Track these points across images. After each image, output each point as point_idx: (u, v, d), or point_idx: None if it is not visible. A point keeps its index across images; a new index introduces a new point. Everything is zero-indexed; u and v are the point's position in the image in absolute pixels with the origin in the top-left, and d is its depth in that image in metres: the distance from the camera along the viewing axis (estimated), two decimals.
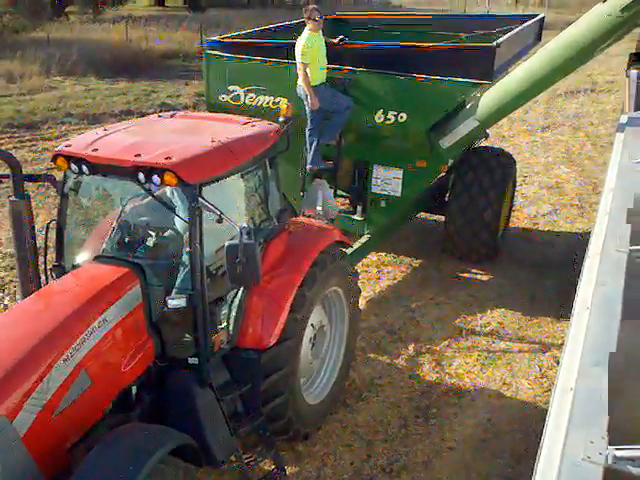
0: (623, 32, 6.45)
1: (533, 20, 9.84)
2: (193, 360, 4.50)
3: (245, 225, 4.27)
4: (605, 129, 15.22)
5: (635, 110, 7.86)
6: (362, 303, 7.47)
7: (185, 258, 4.48)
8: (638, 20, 6.30)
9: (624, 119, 6.17)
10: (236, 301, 4.79)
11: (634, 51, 11.92)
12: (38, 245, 4.79)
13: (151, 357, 4.42)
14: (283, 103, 5.76)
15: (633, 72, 8.86)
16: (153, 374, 4.46)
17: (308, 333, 5.31)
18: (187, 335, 4.59)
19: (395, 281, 8.38)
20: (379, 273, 8.53)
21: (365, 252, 8.05)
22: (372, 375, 6.43)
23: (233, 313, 4.76)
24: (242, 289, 4.78)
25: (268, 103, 7.73)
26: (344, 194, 8.64)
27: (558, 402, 2.49)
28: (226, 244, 4.15)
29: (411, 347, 6.92)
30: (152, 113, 13.37)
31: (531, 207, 10.84)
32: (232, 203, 4.88)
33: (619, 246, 3.49)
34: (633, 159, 5.07)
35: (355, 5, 48.03)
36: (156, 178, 4.16)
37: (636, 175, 4.75)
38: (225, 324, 4.79)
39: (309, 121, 7.43)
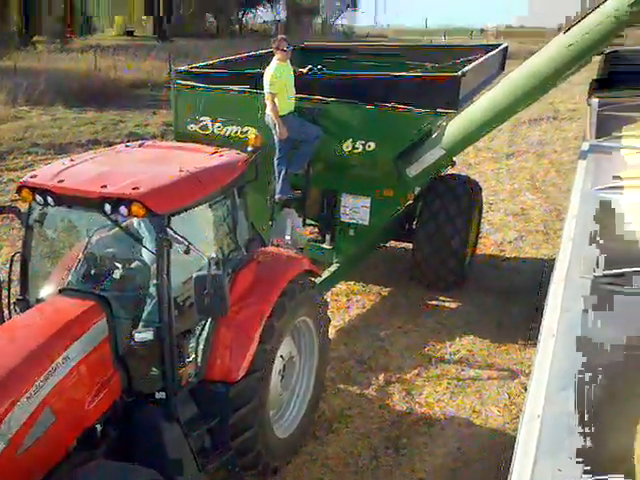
0: (584, 62, 6.61)
1: (497, 50, 10.06)
2: (160, 394, 4.42)
3: (213, 255, 4.24)
4: (568, 156, 15.52)
5: (596, 137, 8.03)
6: (331, 332, 7.43)
7: (152, 290, 4.43)
8: (598, 51, 6.47)
9: (585, 146, 6.28)
10: (204, 333, 4.73)
11: (595, 78, 12.19)
12: (1, 278, 4.71)
13: (117, 392, 4.34)
14: (252, 133, 5.81)
15: (594, 100, 9.05)
16: (119, 409, 4.37)
17: (277, 364, 5.27)
18: (154, 369, 4.52)
19: (364, 310, 8.39)
20: (348, 302, 8.53)
21: (334, 281, 8.05)
22: (342, 406, 6.39)
23: (201, 345, 4.71)
24: (210, 320, 4.74)
25: (237, 132, 7.75)
26: (313, 223, 8.65)
27: (526, 429, 2.49)
28: (194, 275, 4.12)
29: (381, 376, 6.90)
30: (120, 143, 13.30)
31: (497, 234, 10.96)
32: (200, 233, 4.86)
33: (583, 272, 3.53)
34: (595, 186, 5.15)
35: (323, 35, 48.71)
36: (123, 209, 4.12)
37: (598, 202, 4.82)
38: (193, 357, 4.73)
39: (277, 150, 7.46)
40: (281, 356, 5.33)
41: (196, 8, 43.92)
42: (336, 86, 7.91)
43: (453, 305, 8.56)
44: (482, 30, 56.37)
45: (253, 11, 50.64)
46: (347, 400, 6.49)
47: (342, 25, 57.15)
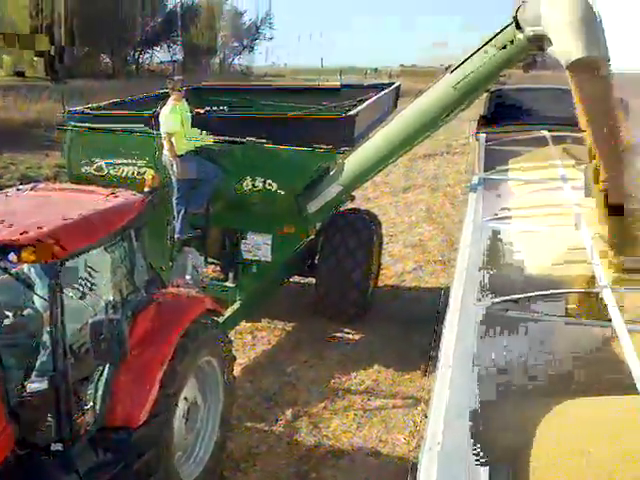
0: (470, 100, 6.95)
1: (390, 88, 10.43)
2: (57, 446, 4.24)
3: (110, 299, 4.15)
4: (460, 189, 16.15)
5: (484, 171, 8.45)
6: (237, 371, 7.36)
7: (46, 338, 4.28)
8: (482, 90, 6.83)
9: (475, 180, 6.60)
10: (103, 379, 4.60)
11: (481, 114, 12.83)
12: None
13: (10, 445, 4.13)
14: (149, 174, 5.75)
15: (481, 136, 9.55)
16: (12, 464, 4.16)
17: (181, 407, 5.17)
18: (49, 419, 4.34)
19: (269, 346, 8.37)
20: (253, 339, 8.50)
21: (238, 319, 8.01)
22: (249, 444, 6.33)
23: (100, 392, 4.56)
24: (109, 366, 4.61)
25: (133, 174, 7.66)
26: (214, 261, 8.61)
27: (427, 457, 2.57)
28: (90, 321, 4.02)
29: (288, 412, 6.89)
30: (11, 186, 12.81)
31: (398, 265, 11.24)
32: (96, 276, 4.74)
33: (476, 300, 3.69)
34: (485, 217, 5.41)
35: (221, 75, 48.87)
36: (12, 255, 3.98)
37: (488, 232, 5.06)
38: (92, 404, 4.57)
39: (176, 190, 7.42)
40: (185, 398, 5.23)
41: (90, 48, 43.17)
42: (234, 126, 7.98)
43: (357, 337, 8.68)
44: (376, 69, 58.15)
45: (149, 51, 50.29)
46: (254, 438, 6.44)
47: (240, 65, 57.59)
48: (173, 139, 7.23)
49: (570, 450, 2.67)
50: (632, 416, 2.69)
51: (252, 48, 57.33)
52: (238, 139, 7.59)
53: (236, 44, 56.66)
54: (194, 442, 5.58)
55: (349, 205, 10.02)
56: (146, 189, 5.42)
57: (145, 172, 7.43)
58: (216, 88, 12.44)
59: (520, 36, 5.58)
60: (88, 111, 8.55)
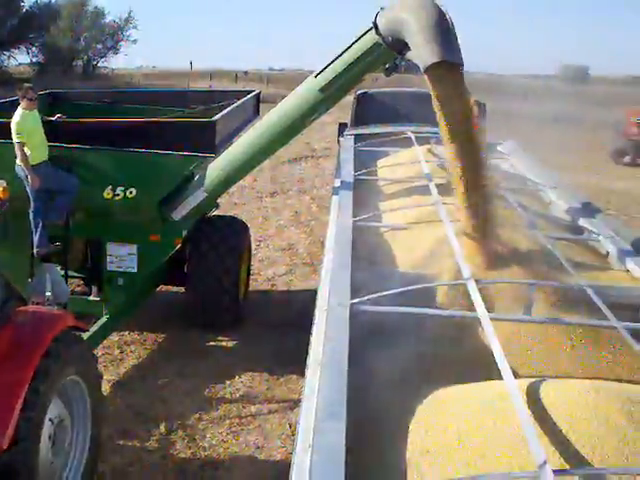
0: (334, 102, 7.04)
1: (251, 95, 10.42)
2: None
3: None
4: (326, 191, 16.43)
5: (353, 172, 8.63)
6: (106, 387, 7.12)
7: None
8: (347, 92, 6.96)
9: (337, 182, 6.71)
10: None
11: (349, 117, 13.11)
12: None
13: None
14: None
15: (347, 138, 9.75)
16: None
17: (47, 430, 4.89)
18: None
19: (140, 359, 8.12)
20: (122, 353, 8.21)
21: (105, 333, 7.71)
22: (122, 463, 6.09)
23: None
24: None
25: None
26: (77, 275, 8.24)
27: (299, 460, 2.57)
28: None
29: (162, 426, 6.70)
30: None
31: (268, 269, 11.26)
32: None
33: (341, 301, 3.74)
34: (351, 217, 5.51)
35: (85, 78, 46.94)
36: None
37: (355, 231, 5.16)
38: None
39: (32, 201, 7.04)
40: (50, 420, 4.96)
41: None
42: (92, 133, 7.66)
43: (230, 344, 8.61)
44: (246, 72, 57.92)
45: (6, 53, 47.28)
46: (127, 456, 6.21)
47: (105, 68, 55.49)
48: (25, 148, 6.86)
49: (443, 436, 2.77)
50: (497, 400, 2.83)
51: (117, 50, 55.39)
52: (96, 147, 7.30)
53: (99, 46, 54.56)
54: (63, 465, 5.31)
55: (216, 212, 9.94)
56: None
57: None
58: (76, 92, 11.94)
59: (380, 41, 5.73)
60: None
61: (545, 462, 2.26)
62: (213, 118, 7.70)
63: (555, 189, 6.74)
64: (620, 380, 3.39)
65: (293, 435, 6.60)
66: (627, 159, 25.15)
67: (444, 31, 4.59)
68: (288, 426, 6.77)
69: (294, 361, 7.97)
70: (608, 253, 5.29)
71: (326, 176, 18.29)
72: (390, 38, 5.48)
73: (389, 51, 5.77)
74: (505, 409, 2.73)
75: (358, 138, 9.18)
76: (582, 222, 5.81)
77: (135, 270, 7.73)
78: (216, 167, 7.36)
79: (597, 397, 2.68)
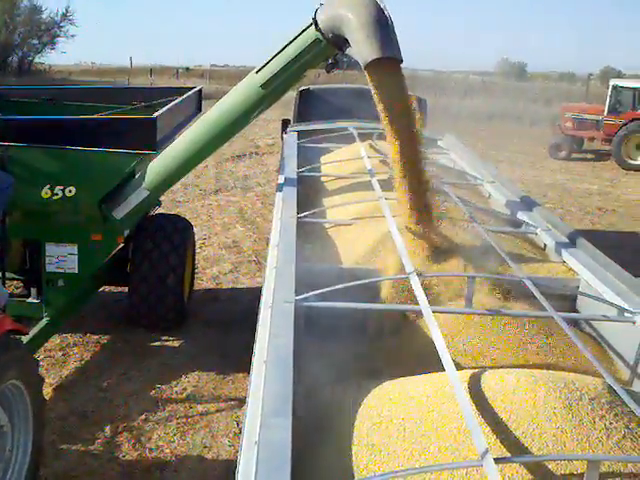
0: (278, 98, 7.01)
1: (192, 91, 10.30)
2: None
3: None
4: (271, 188, 16.43)
5: (295, 169, 8.63)
6: (48, 390, 6.97)
7: None
8: (288, 89, 6.93)
9: (281, 179, 6.70)
10: None
11: (286, 117, 13.13)
12: None
13: None
14: None
15: (290, 134, 9.75)
16: None
17: None
18: None
19: (83, 362, 7.96)
20: (65, 356, 8.03)
21: (46, 336, 7.53)
22: (65, 468, 5.97)
23: None
24: None
25: None
26: (15, 277, 8.02)
27: (245, 457, 2.56)
28: None
29: (107, 429, 6.59)
30: None
31: (213, 267, 11.19)
32: None
33: (286, 297, 3.74)
34: (296, 213, 5.51)
35: (21, 75, 45.68)
36: None
37: (298, 228, 5.16)
38: None
39: None
40: None
41: None
42: (30, 130, 7.44)
43: (176, 343, 8.52)
44: (188, 69, 57.05)
45: None
46: (71, 461, 6.09)
47: (42, 64, 53.92)
48: None
49: (387, 429, 2.81)
50: (440, 392, 2.88)
51: (53, 46, 53.84)
52: (32, 144, 7.11)
53: (36, 41, 52.94)
54: (3, 471, 5.17)
55: (159, 210, 9.82)
56: None
57: None
58: (12, 88, 11.61)
59: (320, 37, 5.73)
60: None
61: (487, 451, 2.31)
62: (154, 115, 7.59)
63: (494, 183, 6.89)
64: (558, 368, 3.49)
65: (241, 433, 6.59)
66: (563, 154, 25.92)
67: (383, 27, 4.63)
68: (236, 424, 6.75)
69: (241, 359, 7.93)
70: (545, 246, 5.44)
71: (270, 173, 18.27)
72: (330, 34, 5.49)
73: (329, 47, 5.77)
74: (448, 401, 2.78)
75: (301, 134, 9.19)
76: (520, 215, 5.95)
77: (76, 271, 7.56)
78: (158, 165, 7.25)
79: (536, 386, 2.76)
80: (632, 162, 24.59)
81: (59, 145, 7.13)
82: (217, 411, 7.02)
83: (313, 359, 3.59)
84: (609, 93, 25.82)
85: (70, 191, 7.08)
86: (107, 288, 9.31)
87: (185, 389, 7.43)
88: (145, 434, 6.55)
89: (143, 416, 6.84)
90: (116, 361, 7.99)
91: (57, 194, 7.07)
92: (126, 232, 7.85)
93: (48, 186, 7.06)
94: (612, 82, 26.58)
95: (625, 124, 24.60)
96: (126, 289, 8.65)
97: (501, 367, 3.34)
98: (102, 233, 7.51)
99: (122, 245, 8.11)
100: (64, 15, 53.26)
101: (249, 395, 2.95)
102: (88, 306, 8.86)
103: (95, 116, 8.28)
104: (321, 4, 5.66)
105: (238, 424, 6.72)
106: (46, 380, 6.58)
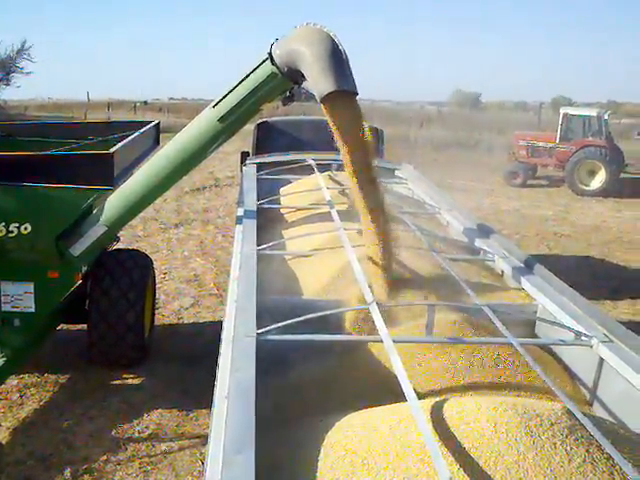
0: (235, 131, 7.03)
1: (149, 125, 10.29)
2: None
3: None
4: (231, 220, 16.40)
5: (255, 201, 8.63)
6: (5, 435, 6.79)
7: None
8: (246, 122, 6.96)
9: (240, 211, 6.68)
10: None
11: (245, 150, 13.17)
12: None
13: None
14: None
15: (249, 167, 9.77)
16: None
17: None
18: None
19: (42, 402, 7.77)
20: (22, 397, 7.83)
21: (2, 378, 7.33)
22: None
23: None
24: None
25: None
26: None
27: None
28: None
29: (67, 472, 6.42)
30: None
31: (174, 302, 11.07)
32: None
33: (247, 331, 3.72)
34: (255, 245, 5.49)
35: None
36: None
37: (259, 261, 5.15)
38: None
39: None
40: None
41: None
42: None
43: (137, 381, 8.37)
44: (146, 102, 56.88)
45: None
46: None
47: None
48: None
49: (351, 462, 2.79)
50: (402, 422, 2.88)
51: (8, 82, 53.07)
52: None
53: None
54: None
55: (118, 245, 9.70)
56: None
57: None
58: None
59: (276, 71, 5.78)
60: None
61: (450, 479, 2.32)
62: (110, 150, 7.55)
63: (451, 211, 6.99)
64: (518, 394, 3.53)
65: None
66: (519, 181, 26.51)
67: (338, 61, 4.70)
68: (200, 462, 6.63)
69: (203, 394, 7.83)
70: (503, 272, 5.52)
71: (230, 205, 18.24)
72: (286, 68, 5.54)
73: (286, 81, 5.83)
74: (410, 431, 2.79)
75: (260, 166, 9.21)
76: (478, 243, 6.03)
77: (33, 310, 7.41)
78: (115, 200, 7.19)
79: (496, 413, 2.78)
80: (585, 188, 25.24)
81: (14, 182, 7.04)
82: (180, 449, 6.90)
83: (275, 393, 3.57)
84: (560, 121, 26.54)
85: (26, 228, 6.97)
86: (65, 326, 9.13)
87: (147, 427, 7.29)
88: (107, 476, 6.40)
89: (105, 457, 6.68)
90: (76, 401, 7.82)
91: (12, 232, 6.95)
92: (84, 268, 7.73)
93: (3, 223, 6.94)
94: (563, 110, 27.36)
95: (577, 151, 25.28)
96: (85, 326, 8.50)
97: (462, 394, 3.36)
98: (59, 270, 7.38)
99: (80, 282, 7.98)
100: (20, 50, 52.76)
101: (211, 432, 2.91)
102: (46, 345, 8.67)
103: (51, 152, 8.20)
104: (277, 39, 5.72)
105: (202, 462, 6.60)
106: (2, 424, 6.41)
